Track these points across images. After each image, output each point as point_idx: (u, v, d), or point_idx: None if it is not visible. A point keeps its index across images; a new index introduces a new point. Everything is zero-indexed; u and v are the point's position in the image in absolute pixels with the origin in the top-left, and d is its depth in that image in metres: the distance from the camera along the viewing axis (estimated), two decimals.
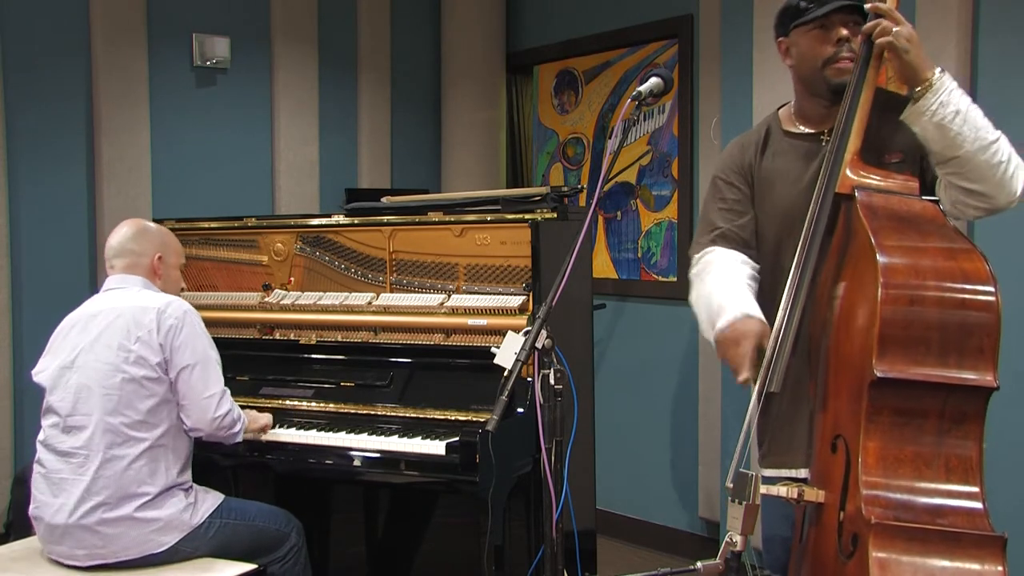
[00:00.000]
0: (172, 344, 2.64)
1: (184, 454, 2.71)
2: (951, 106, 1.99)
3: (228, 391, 2.75)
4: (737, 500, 1.92)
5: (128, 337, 2.62)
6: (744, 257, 2.30)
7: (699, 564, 1.94)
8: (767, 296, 2.22)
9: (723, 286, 2.23)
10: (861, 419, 1.83)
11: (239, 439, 2.81)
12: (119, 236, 2.82)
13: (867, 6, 2.07)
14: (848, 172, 2.01)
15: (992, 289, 1.82)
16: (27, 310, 3.84)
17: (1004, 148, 2.04)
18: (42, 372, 2.73)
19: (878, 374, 1.79)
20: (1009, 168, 2.04)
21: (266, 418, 2.99)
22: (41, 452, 2.66)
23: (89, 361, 2.63)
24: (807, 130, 2.27)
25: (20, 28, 3.80)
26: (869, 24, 2.06)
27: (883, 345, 1.80)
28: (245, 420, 2.85)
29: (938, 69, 2.02)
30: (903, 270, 1.83)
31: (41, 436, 2.68)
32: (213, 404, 2.68)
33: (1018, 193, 2.07)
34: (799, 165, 2.24)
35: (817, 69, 2.18)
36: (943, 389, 1.81)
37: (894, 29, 2.02)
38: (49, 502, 2.58)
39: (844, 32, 2.15)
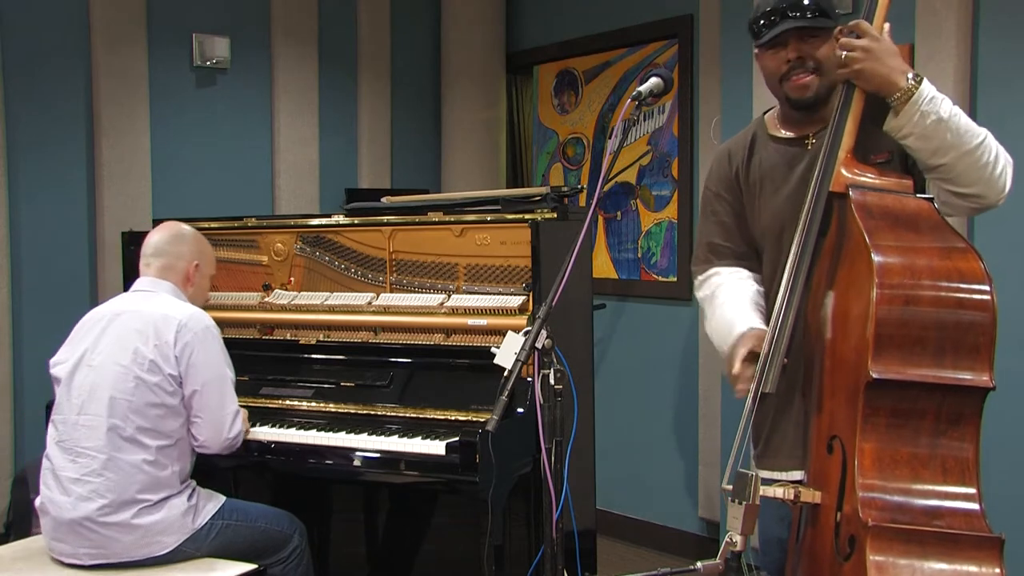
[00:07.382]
0: (189, 360, 2.63)
1: (188, 465, 2.72)
2: (931, 116, 1.95)
3: (242, 411, 2.78)
4: (737, 500, 1.92)
5: (146, 343, 2.62)
6: (746, 272, 2.33)
7: (699, 564, 1.94)
8: (772, 301, 2.21)
9: (732, 310, 2.26)
10: (857, 420, 1.82)
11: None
12: (160, 236, 2.84)
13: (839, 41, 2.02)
14: (843, 171, 2.00)
15: (988, 288, 1.81)
16: (27, 310, 3.84)
17: (990, 147, 1.99)
18: (59, 364, 2.72)
19: (874, 375, 1.78)
20: (997, 167, 2.00)
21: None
22: (50, 447, 2.65)
23: (105, 362, 2.62)
24: (791, 135, 2.26)
25: (20, 29, 3.80)
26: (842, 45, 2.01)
27: (879, 346, 1.79)
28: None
29: (911, 75, 1.96)
30: (899, 270, 1.81)
31: (51, 430, 2.67)
32: (227, 423, 2.70)
33: (1007, 188, 2.04)
34: (784, 171, 2.24)
35: (777, 85, 2.20)
36: (939, 390, 1.80)
37: (844, 54, 1.98)
38: (56, 499, 2.58)
39: (793, 55, 2.13)
